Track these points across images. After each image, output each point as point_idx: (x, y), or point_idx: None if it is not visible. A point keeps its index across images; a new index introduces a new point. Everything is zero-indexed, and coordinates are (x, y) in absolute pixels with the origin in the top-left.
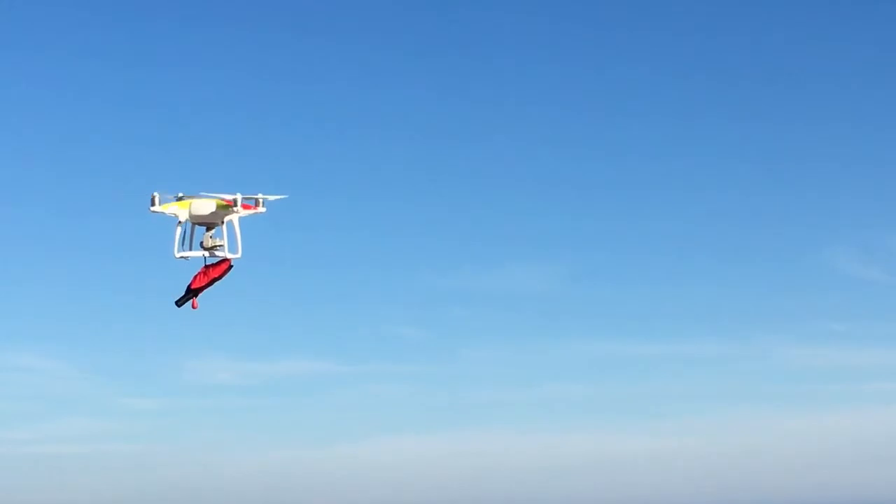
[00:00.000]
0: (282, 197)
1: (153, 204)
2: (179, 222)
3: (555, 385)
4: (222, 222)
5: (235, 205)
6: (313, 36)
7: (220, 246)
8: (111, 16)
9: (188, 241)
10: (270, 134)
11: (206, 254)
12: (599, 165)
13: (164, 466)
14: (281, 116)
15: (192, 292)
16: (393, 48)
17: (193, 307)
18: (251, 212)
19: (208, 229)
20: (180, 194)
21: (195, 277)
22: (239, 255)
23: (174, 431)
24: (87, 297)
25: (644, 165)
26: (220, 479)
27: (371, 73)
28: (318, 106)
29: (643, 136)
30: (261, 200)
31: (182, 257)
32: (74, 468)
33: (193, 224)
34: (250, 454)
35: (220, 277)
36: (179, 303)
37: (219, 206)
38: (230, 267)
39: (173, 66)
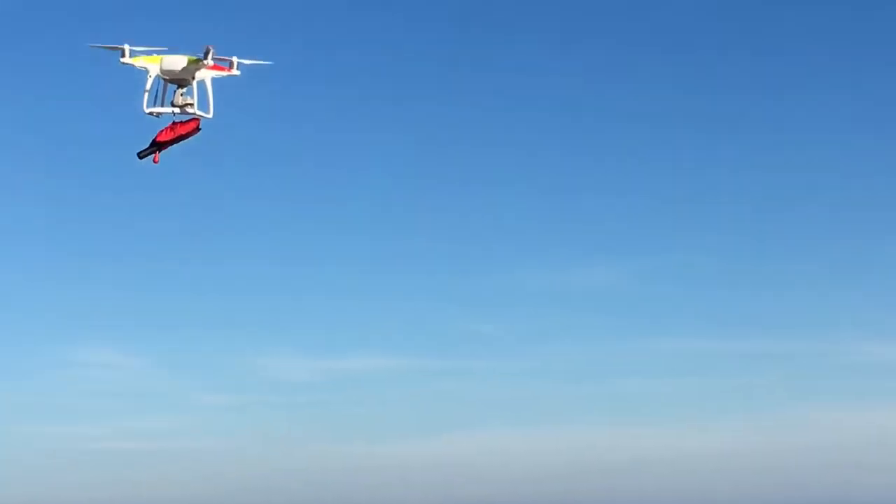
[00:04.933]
0: (263, 63)
1: (123, 55)
2: (150, 77)
3: (627, 382)
4: (193, 79)
5: (206, 56)
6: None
7: (190, 104)
8: None
9: (160, 99)
10: None
11: (177, 111)
12: (671, 170)
13: (240, 461)
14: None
15: (156, 145)
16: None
17: (155, 161)
18: (224, 73)
19: (180, 87)
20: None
21: (161, 131)
22: (210, 114)
23: (249, 427)
24: (162, 294)
25: (718, 175)
26: (295, 474)
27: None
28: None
29: (716, 146)
30: (235, 62)
31: (151, 113)
32: (151, 464)
33: (165, 81)
34: (324, 449)
35: (187, 135)
36: (141, 155)
37: (189, 62)
38: (198, 127)
39: None
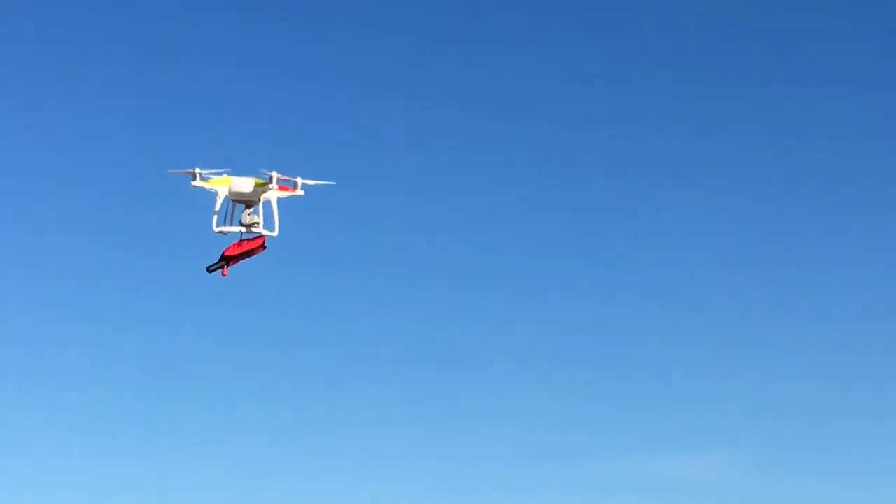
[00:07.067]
0: (327, 183)
1: (194, 179)
2: (219, 198)
3: None
4: (259, 200)
5: (271, 182)
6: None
7: (256, 223)
8: None
9: (229, 218)
10: None
11: (244, 230)
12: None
13: None
14: None
15: (224, 259)
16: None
17: (223, 275)
18: (289, 193)
19: (247, 207)
20: (223, 172)
21: (230, 246)
22: (275, 233)
23: None
24: None
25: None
26: None
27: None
28: None
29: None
30: (299, 183)
31: (221, 232)
32: None
33: (234, 202)
34: None
35: (253, 251)
36: (211, 269)
37: (257, 185)
38: (264, 245)
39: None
